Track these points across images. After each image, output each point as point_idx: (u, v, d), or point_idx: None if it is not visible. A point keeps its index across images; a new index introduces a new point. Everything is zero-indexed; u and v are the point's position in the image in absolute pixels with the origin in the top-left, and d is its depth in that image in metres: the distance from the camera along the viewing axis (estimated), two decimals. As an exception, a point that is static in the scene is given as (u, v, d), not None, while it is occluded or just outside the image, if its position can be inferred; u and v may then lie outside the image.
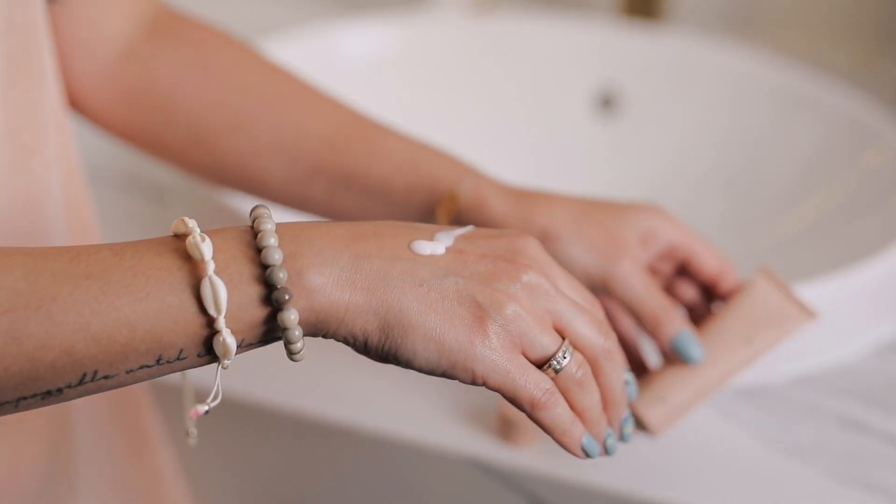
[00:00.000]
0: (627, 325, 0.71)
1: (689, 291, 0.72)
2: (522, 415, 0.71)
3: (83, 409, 0.68)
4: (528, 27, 1.19)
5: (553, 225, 0.66)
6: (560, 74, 1.16)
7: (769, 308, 0.69)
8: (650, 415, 0.67)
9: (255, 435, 0.83)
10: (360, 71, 1.13)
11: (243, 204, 0.84)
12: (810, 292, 0.77)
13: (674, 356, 0.67)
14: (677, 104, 1.13)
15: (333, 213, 0.70)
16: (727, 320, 0.69)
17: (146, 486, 0.77)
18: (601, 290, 0.66)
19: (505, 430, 0.75)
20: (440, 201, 0.68)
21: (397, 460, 0.78)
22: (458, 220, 0.67)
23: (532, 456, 0.74)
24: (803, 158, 1.04)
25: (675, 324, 0.66)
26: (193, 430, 0.58)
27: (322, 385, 0.79)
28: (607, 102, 1.14)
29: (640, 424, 0.68)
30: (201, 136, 0.70)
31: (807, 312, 0.69)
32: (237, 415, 0.80)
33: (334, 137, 0.69)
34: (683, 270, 0.71)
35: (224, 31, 0.73)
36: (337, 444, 0.79)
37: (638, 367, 0.71)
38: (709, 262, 0.70)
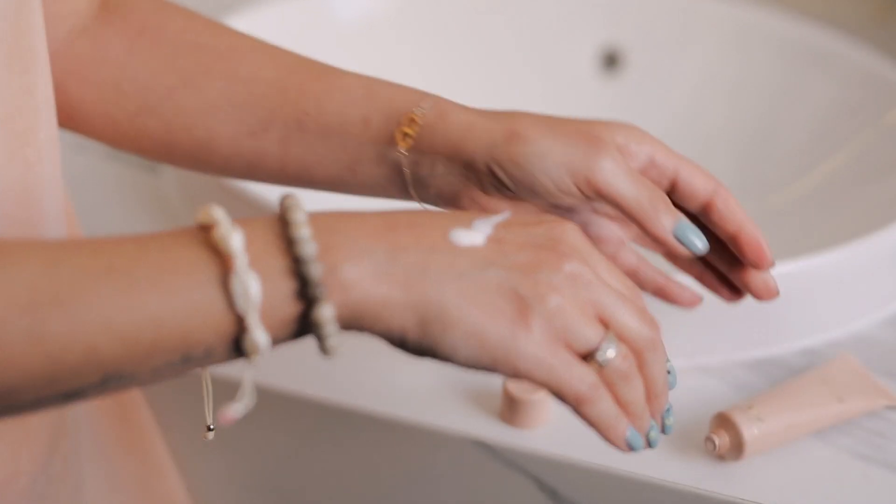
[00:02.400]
0: (653, 271, 0.67)
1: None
2: (528, 394, 0.71)
3: (81, 407, 0.67)
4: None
5: (523, 125, 0.59)
6: (563, 32, 1.14)
7: (859, 378, 0.74)
8: (748, 431, 0.68)
9: (252, 419, 0.80)
10: (355, 30, 1.10)
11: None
12: (827, 259, 0.76)
13: (676, 252, 0.60)
14: (685, 61, 1.11)
15: (286, 167, 0.65)
16: (818, 375, 0.74)
17: (146, 482, 0.76)
18: (584, 188, 0.58)
19: (510, 410, 0.73)
20: (398, 125, 0.62)
21: (399, 442, 0.76)
22: (419, 143, 0.61)
23: (539, 436, 0.73)
24: (818, 117, 1.02)
25: (673, 214, 0.59)
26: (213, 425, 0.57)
27: (320, 367, 0.77)
28: (612, 60, 1.11)
29: (733, 442, 0.69)
30: (150, 103, 0.66)
31: (891, 397, 0.74)
32: (234, 398, 0.77)
33: (287, 81, 0.65)
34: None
35: (175, 2, 0.69)
36: (336, 428, 0.78)
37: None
38: (699, 181, 0.61)
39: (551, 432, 0.73)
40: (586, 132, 0.59)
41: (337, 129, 0.63)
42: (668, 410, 0.55)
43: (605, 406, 0.50)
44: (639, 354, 0.52)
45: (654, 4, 1.12)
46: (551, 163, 0.58)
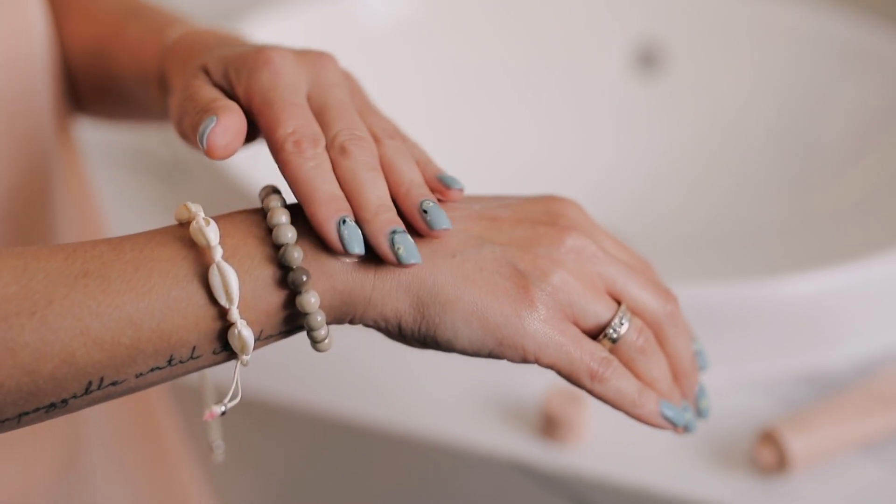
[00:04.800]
0: None
1: None
2: (567, 412, 0.69)
3: (97, 422, 0.66)
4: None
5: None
6: (596, 30, 1.12)
7: None
8: (794, 446, 0.67)
9: (280, 436, 0.82)
10: (381, 35, 1.08)
11: (254, 181, 0.81)
12: (878, 265, 0.74)
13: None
14: (725, 60, 1.09)
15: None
16: (866, 388, 0.72)
17: (166, 495, 0.75)
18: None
19: (548, 430, 0.72)
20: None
21: (431, 461, 0.75)
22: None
23: (577, 456, 0.71)
24: (866, 119, 1.00)
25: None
26: (220, 443, 0.55)
27: (350, 383, 0.76)
28: (649, 60, 1.09)
29: (777, 457, 0.68)
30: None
31: None
32: (261, 414, 0.78)
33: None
34: None
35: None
36: (367, 445, 0.76)
37: None
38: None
39: (593, 451, 0.71)
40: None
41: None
42: (701, 391, 0.51)
43: (623, 382, 0.47)
44: (658, 328, 0.49)
45: (694, 0, 1.10)
46: None
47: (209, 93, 0.48)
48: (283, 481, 0.84)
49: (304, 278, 0.43)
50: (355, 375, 0.77)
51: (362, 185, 0.45)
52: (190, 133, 0.48)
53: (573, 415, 0.70)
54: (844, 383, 0.75)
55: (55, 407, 0.42)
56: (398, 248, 0.44)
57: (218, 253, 0.43)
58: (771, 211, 0.99)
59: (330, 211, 0.44)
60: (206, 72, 0.50)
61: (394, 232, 0.45)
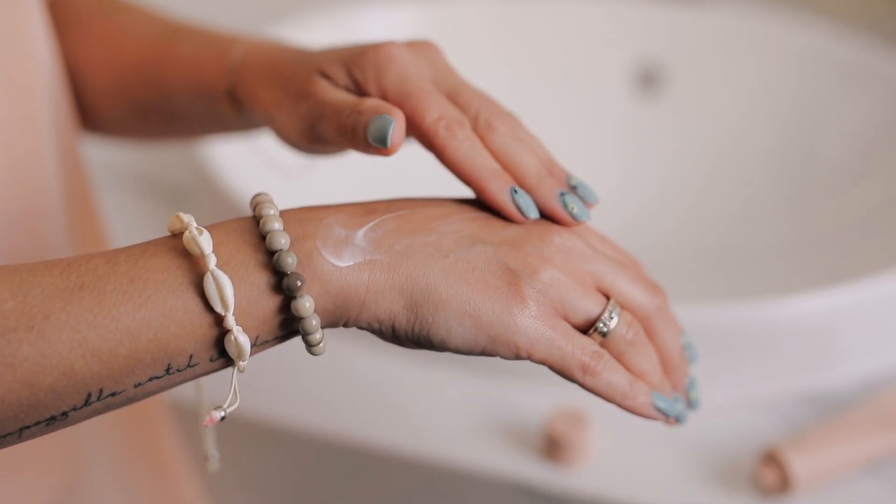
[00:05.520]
0: None
1: None
2: (570, 434, 0.69)
3: (98, 439, 0.66)
4: (563, 2, 1.14)
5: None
6: (598, 50, 1.12)
7: None
8: (796, 466, 0.67)
9: (282, 455, 0.81)
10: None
11: None
12: (881, 284, 0.74)
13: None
14: (726, 80, 1.08)
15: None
16: (869, 407, 0.72)
17: None
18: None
19: (552, 451, 0.72)
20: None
21: (434, 483, 0.75)
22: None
23: (581, 477, 0.71)
24: (867, 137, 1.00)
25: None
26: (214, 453, 0.55)
27: (353, 404, 0.76)
28: (650, 79, 1.08)
29: (780, 477, 0.68)
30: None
31: None
32: (264, 433, 0.78)
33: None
34: None
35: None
36: (370, 466, 0.76)
37: None
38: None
39: (598, 472, 0.71)
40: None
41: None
42: (692, 383, 0.52)
43: (614, 375, 0.47)
44: (646, 322, 0.49)
45: (694, 21, 1.10)
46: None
47: (346, 96, 0.51)
48: (285, 500, 0.84)
49: (299, 283, 0.43)
50: (358, 396, 0.77)
51: (518, 156, 0.49)
52: (336, 136, 0.50)
53: (576, 436, 0.70)
54: (847, 403, 0.75)
55: (55, 420, 0.43)
56: (571, 208, 0.48)
57: (212, 261, 0.43)
58: (772, 230, 0.98)
59: (500, 184, 0.48)
60: (326, 76, 0.52)
61: (562, 194, 0.49)
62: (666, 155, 1.07)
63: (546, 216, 0.49)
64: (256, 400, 0.75)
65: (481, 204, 0.49)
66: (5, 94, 0.54)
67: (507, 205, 0.48)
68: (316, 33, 1.03)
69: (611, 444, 0.71)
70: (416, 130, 0.49)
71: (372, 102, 0.49)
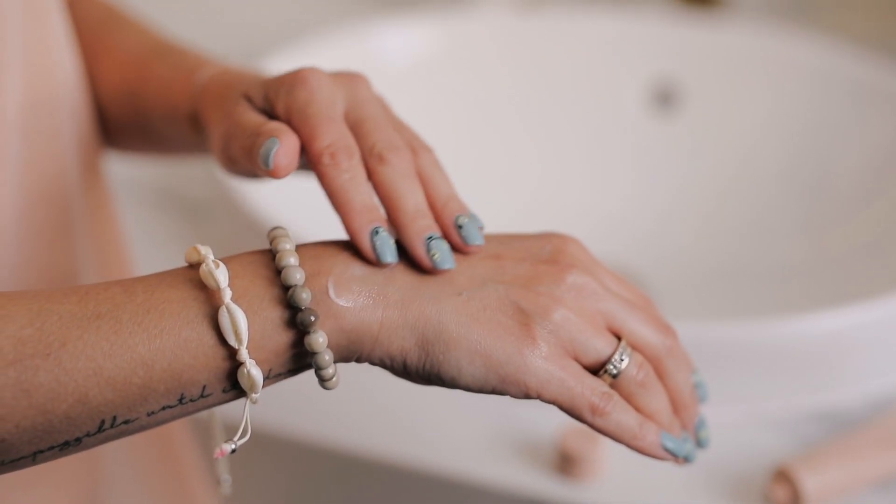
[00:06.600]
0: None
1: None
2: (583, 449, 0.69)
3: (118, 456, 0.66)
4: (577, 20, 1.15)
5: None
6: (614, 69, 1.12)
7: None
8: (808, 484, 0.67)
9: (298, 472, 0.81)
10: (401, 73, 1.09)
11: (274, 220, 0.81)
12: (884, 309, 0.73)
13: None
14: (739, 99, 1.08)
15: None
16: (880, 424, 0.72)
17: None
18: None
19: (564, 467, 0.72)
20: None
21: (446, 498, 0.74)
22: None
23: (593, 493, 0.71)
24: (879, 157, 0.99)
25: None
26: (227, 478, 0.55)
27: (365, 419, 0.76)
28: (665, 98, 1.09)
29: (791, 496, 0.68)
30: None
31: None
32: (278, 448, 0.78)
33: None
34: None
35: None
36: (382, 481, 0.76)
37: None
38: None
39: (611, 488, 0.71)
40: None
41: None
42: (701, 422, 0.52)
43: (623, 416, 0.47)
44: (657, 363, 0.50)
45: (709, 40, 1.10)
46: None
47: (255, 117, 0.50)
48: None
49: (313, 319, 0.44)
50: (372, 410, 0.77)
51: (399, 192, 0.48)
52: (240, 156, 0.50)
53: (589, 452, 0.70)
54: (858, 421, 0.75)
55: (69, 445, 0.43)
56: (434, 254, 0.46)
57: (227, 295, 0.43)
58: (784, 249, 0.98)
59: (363, 221, 0.46)
60: (248, 98, 0.52)
61: (430, 238, 0.47)
62: (679, 173, 1.07)
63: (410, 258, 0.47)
64: (273, 413, 0.76)
65: (495, 241, 0.50)
66: (30, 109, 0.55)
67: (363, 243, 0.46)
68: (333, 52, 1.03)
69: (623, 459, 0.71)
70: (307, 155, 0.48)
71: (271, 125, 0.49)
